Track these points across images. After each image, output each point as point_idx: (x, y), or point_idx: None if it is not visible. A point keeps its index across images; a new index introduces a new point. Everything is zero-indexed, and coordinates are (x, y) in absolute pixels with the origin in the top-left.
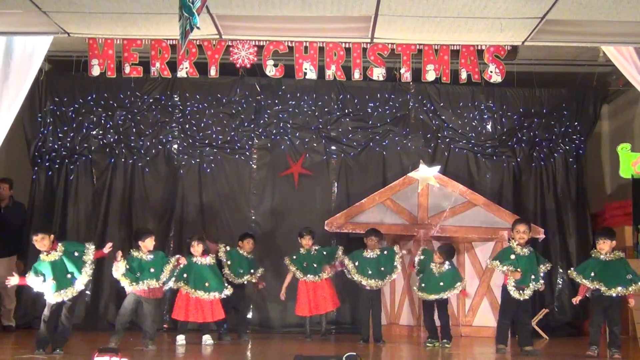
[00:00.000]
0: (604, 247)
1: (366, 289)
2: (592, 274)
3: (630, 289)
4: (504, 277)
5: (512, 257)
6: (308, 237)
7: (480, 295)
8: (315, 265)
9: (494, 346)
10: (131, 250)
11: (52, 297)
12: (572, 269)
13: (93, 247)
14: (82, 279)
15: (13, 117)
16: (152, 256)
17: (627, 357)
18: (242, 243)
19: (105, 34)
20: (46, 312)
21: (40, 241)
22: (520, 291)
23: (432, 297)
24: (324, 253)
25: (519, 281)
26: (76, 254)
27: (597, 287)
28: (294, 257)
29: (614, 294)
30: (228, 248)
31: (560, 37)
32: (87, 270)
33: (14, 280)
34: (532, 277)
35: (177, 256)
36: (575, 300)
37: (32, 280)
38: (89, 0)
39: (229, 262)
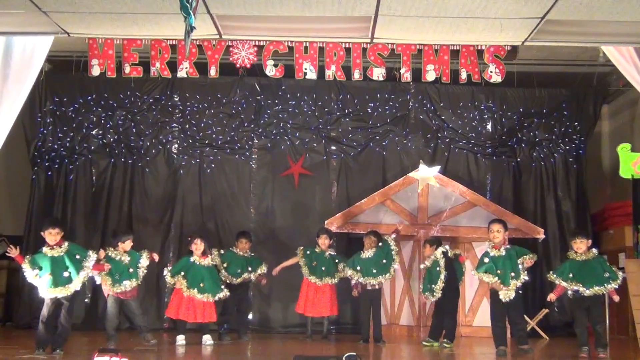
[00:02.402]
0: (581, 247)
1: (367, 289)
2: (571, 275)
3: (608, 286)
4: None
5: (486, 260)
6: (324, 237)
7: (480, 296)
8: (323, 269)
9: (494, 348)
10: (108, 250)
11: (47, 292)
12: (550, 272)
13: (95, 256)
14: (77, 282)
15: (14, 118)
16: (129, 257)
17: (627, 357)
18: (237, 243)
19: (105, 34)
20: (44, 312)
21: (55, 235)
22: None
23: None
24: (336, 261)
25: (503, 282)
26: (77, 256)
27: (576, 287)
28: (308, 251)
29: (592, 294)
30: (222, 251)
31: (560, 37)
32: (84, 275)
33: (13, 252)
34: (512, 274)
35: (148, 252)
36: (551, 297)
37: (27, 270)
38: (89, 0)
39: (224, 265)
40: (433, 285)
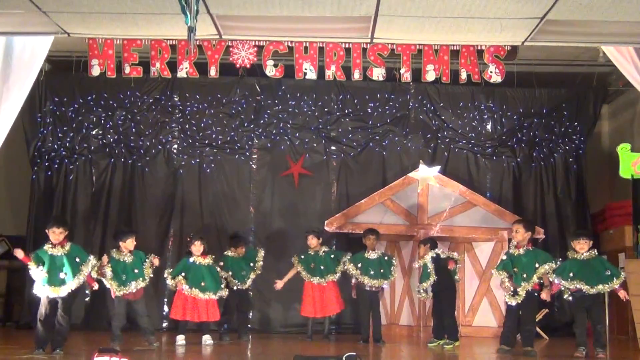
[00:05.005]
0: (584, 247)
1: (366, 289)
2: (571, 274)
3: (611, 284)
4: None
5: (504, 257)
6: (311, 237)
7: (480, 296)
8: (322, 268)
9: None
10: (112, 252)
11: (40, 288)
12: (550, 271)
13: (95, 261)
14: (71, 284)
15: (14, 117)
16: (132, 257)
17: (627, 357)
18: (234, 249)
19: (105, 34)
20: (42, 311)
21: (58, 234)
22: (514, 295)
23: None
24: (332, 257)
25: (514, 281)
26: (77, 259)
27: (578, 287)
28: (302, 256)
29: (595, 292)
30: (221, 263)
31: (560, 37)
32: (80, 279)
33: (19, 253)
34: (524, 276)
35: (152, 255)
36: (545, 295)
37: (33, 267)
38: (89, 0)
39: (230, 272)
40: (419, 285)
